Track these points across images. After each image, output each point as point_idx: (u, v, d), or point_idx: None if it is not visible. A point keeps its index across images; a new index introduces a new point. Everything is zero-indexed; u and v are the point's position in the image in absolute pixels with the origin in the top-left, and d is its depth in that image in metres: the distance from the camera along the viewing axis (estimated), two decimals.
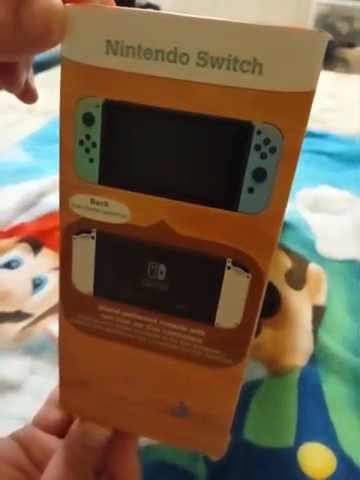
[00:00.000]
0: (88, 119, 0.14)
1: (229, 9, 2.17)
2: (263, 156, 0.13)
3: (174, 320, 0.16)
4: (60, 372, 0.19)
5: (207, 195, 0.14)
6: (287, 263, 0.41)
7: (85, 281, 0.16)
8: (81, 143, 0.14)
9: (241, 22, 0.12)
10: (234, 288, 0.15)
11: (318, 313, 0.36)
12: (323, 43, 0.12)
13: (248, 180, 0.13)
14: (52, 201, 0.49)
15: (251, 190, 0.14)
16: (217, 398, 0.18)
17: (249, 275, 0.15)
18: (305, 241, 0.45)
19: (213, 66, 0.12)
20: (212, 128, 0.13)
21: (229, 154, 0.13)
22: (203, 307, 0.16)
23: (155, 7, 2.14)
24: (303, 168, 0.58)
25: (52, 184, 0.52)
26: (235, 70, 0.12)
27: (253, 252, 0.15)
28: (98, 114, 0.14)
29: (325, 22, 2.04)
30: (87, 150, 0.14)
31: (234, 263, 0.15)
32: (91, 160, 0.14)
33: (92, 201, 0.15)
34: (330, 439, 0.27)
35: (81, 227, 0.16)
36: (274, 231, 0.14)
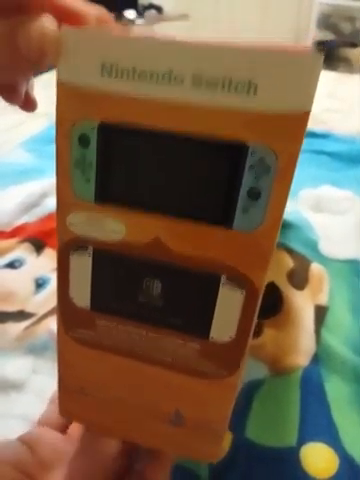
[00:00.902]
0: (84, 140, 0.14)
1: (231, 10, 2.17)
2: (257, 176, 0.13)
3: (169, 333, 0.17)
4: (59, 379, 0.19)
5: (202, 213, 0.14)
6: (289, 263, 0.41)
7: (82, 296, 0.17)
8: (77, 163, 0.14)
9: (235, 45, 0.12)
10: (229, 304, 0.15)
11: (320, 313, 0.36)
12: (318, 64, 0.12)
13: (243, 199, 0.14)
14: (54, 202, 0.49)
15: (245, 209, 0.14)
16: (212, 407, 0.18)
17: (243, 291, 0.15)
18: (307, 241, 0.45)
19: (208, 87, 0.12)
20: (207, 149, 0.13)
21: (224, 174, 0.13)
22: (198, 322, 0.16)
23: (158, 8, 2.14)
24: (304, 168, 0.58)
25: (54, 185, 0.52)
26: (230, 91, 0.12)
27: (247, 269, 0.15)
28: (93, 136, 0.14)
29: (327, 22, 2.03)
30: (83, 170, 0.14)
31: (229, 279, 0.15)
32: (87, 180, 0.15)
33: (88, 219, 0.15)
34: (332, 439, 0.27)
35: (78, 244, 0.16)
36: (268, 248, 0.15)
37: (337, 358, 0.32)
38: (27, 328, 0.34)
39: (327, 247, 0.44)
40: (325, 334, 0.34)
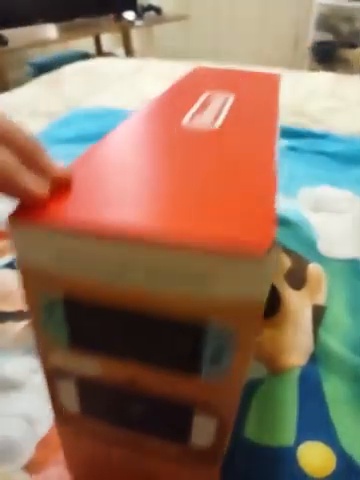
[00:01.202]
0: (52, 308, 0.15)
1: (230, 11, 2.17)
2: (218, 346, 0.14)
3: (153, 438, 0.18)
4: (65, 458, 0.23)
5: (172, 363, 0.15)
6: (287, 263, 0.41)
7: (72, 405, 0.18)
8: (49, 324, 0.15)
9: (187, 247, 0.12)
10: (203, 426, 0.17)
11: (318, 313, 0.36)
12: (272, 261, 0.12)
13: (206, 361, 0.14)
14: None
15: (211, 367, 0.14)
16: None
17: (216, 419, 0.16)
18: (306, 240, 0.45)
19: (162, 278, 0.12)
20: (166, 325, 0.14)
21: (187, 343, 0.14)
22: (178, 434, 0.18)
23: (157, 9, 2.15)
24: (304, 168, 0.58)
25: None
26: (184, 282, 0.12)
27: (218, 404, 0.16)
28: (60, 305, 0.14)
29: (326, 23, 2.04)
30: (54, 326, 0.15)
31: (201, 411, 0.16)
32: (60, 331, 0.15)
33: (65, 358, 0.16)
34: (330, 437, 0.27)
35: (61, 374, 0.17)
36: (236, 388, 0.15)
37: (335, 357, 0.32)
38: (26, 328, 0.34)
39: (326, 247, 0.44)
40: (323, 334, 0.34)
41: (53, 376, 0.17)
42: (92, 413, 0.18)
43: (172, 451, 0.18)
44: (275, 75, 0.36)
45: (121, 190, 0.14)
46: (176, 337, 0.14)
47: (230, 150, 0.17)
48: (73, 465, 0.23)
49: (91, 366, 0.16)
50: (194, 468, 0.18)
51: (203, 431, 0.17)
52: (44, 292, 0.14)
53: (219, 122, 0.22)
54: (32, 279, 0.14)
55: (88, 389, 0.17)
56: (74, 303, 0.14)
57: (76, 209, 0.13)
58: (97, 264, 0.13)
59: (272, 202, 0.13)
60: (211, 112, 0.24)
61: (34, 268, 0.13)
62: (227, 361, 0.14)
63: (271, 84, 0.33)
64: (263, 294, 0.12)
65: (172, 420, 0.17)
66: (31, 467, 0.26)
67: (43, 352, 0.16)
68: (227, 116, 0.23)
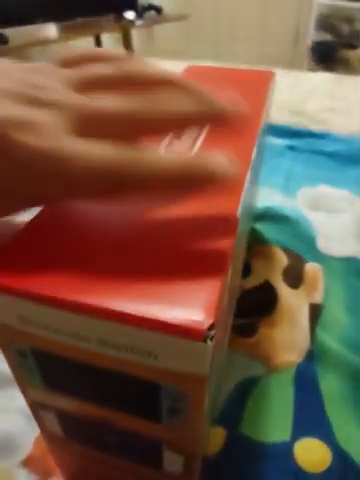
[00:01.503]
0: (23, 356, 0.16)
1: (230, 11, 2.18)
2: (174, 402, 0.15)
3: (129, 463, 0.20)
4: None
5: (136, 412, 0.16)
6: (284, 261, 0.41)
7: (55, 430, 0.20)
8: (23, 368, 0.16)
9: (134, 325, 0.13)
10: (172, 458, 0.18)
11: (315, 311, 0.36)
12: (210, 346, 0.12)
13: (165, 413, 0.16)
14: None
15: (169, 417, 0.16)
16: None
17: (183, 456, 0.18)
18: (305, 237, 0.45)
19: (113, 348, 0.14)
20: (126, 381, 0.15)
21: (146, 397, 0.15)
22: (151, 461, 0.19)
23: (157, 8, 2.15)
24: (303, 168, 0.58)
25: None
26: (133, 353, 0.13)
27: (181, 445, 0.17)
28: (28, 353, 0.16)
29: (326, 23, 2.04)
30: (30, 372, 0.17)
31: (168, 448, 0.18)
32: (34, 376, 0.17)
33: (44, 397, 0.18)
34: (326, 434, 0.27)
35: (41, 406, 0.18)
36: (197, 434, 0.17)
37: (332, 355, 0.32)
38: None
39: (324, 244, 0.44)
40: (320, 332, 0.34)
41: (35, 406, 0.19)
42: (75, 439, 0.20)
43: (149, 473, 0.20)
44: (269, 72, 0.35)
45: (78, 256, 0.15)
46: (136, 391, 0.15)
47: (191, 208, 0.18)
48: (63, 471, 0.25)
49: (67, 404, 0.17)
50: None
51: (173, 461, 0.19)
52: (14, 343, 0.15)
53: (197, 145, 0.22)
54: (2, 329, 0.15)
55: (68, 420, 0.19)
56: (41, 354, 0.15)
57: (31, 274, 0.14)
58: (54, 329, 0.14)
59: (220, 281, 0.14)
60: (191, 132, 0.24)
61: (1, 322, 0.15)
62: (184, 413, 0.15)
63: (263, 82, 0.33)
64: (205, 369, 0.13)
65: (145, 451, 0.19)
66: (29, 462, 0.26)
67: (22, 388, 0.18)
68: (208, 134, 0.23)
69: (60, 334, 0.14)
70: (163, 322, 0.12)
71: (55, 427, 0.20)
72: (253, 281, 0.39)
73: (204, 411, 0.16)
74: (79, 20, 1.89)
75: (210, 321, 0.12)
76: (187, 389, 0.14)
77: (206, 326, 0.12)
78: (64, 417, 0.19)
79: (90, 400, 0.17)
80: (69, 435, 0.20)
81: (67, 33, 1.80)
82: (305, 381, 0.31)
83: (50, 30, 1.80)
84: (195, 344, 0.12)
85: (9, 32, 1.53)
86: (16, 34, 1.56)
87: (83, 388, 0.16)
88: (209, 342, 0.12)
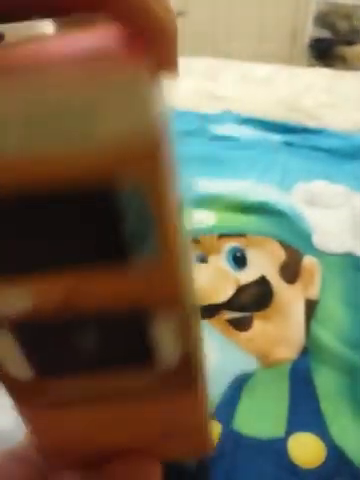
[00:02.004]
0: None
1: (228, 8, 2.17)
2: (135, 214, 0.11)
3: (116, 375, 0.16)
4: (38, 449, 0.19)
5: (96, 256, 0.12)
6: (282, 255, 0.41)
7: (21, 370, 0.16)
8: None
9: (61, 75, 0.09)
10: (162, 337, 0.15)
11: (311, 306, 0.36)
12: (146, 83, 0.09)
13: (130, 241, 0.12)
14: None
15: (136, 248, 0.12)
16: (189, 416, 0.18)
17: (171, 323, 0.14)
18: (301, 233, 0.45)
19: (43, 133, 0.09)
20: (72, 205, 0.11)
21: (101, 221, 0.11)
22: (139, 354, 0.16)
23: None
24: (299, 163, 0.58)
25: None
26: (67, 132, 0.09)
27: (164, 298, 0.13)
28: None
29: (324, 20, 2.04)
30: None
31: (153, 317, 0.14)
32: None
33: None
34: (320, 429, 0.27)
35: None
36: (176, 279, 0.13)
37: (326, 351, 0.32)
38: None
39: (321, 240, 0.44)
40: (315, 327, 0.34)
41: None
42: (46, 373, 0.16)
43: (143, 385, 0.16)
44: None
45: None
46: (88, 216, 0.11)
47: None
48: (41, 446, 0.19)
49: (20, 297, 0.13)
50: (169, 401, 0.17)
51: (164, 343, 0.15)
52: None
53: None
54: None
55: (28, 337, 0.15)
56: None
57: None
58: None
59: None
60: None
61: None
62: (150, 238, 0.12)
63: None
64: (149, 127, 0.09)
65: (128, 342, 0.15)
66: None
67: None
68: None
69: None
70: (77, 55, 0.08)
71: (19, 364, 0.15)
72: (250, 274, 0.39)
73: (174, 231, 0.12)
74: (75, 16, 1.88)
75: (141, 52, 0.08)
76: (141, 177, 0.10)
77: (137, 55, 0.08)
78: (23, 331, 0.15)
79: (41, 270, 0.12)
80: (38, 367, 0.16)
81: (64, 29, 1.79)
82: (300, 377, 0.30)
83: (47, 26, 1.79)
84: (125, 74, 0.08)
85: (4, 28, 1.52)
86: (12, 30, 1.55)
87: (27, 247, 0.12)
88: (142, 74, 0.08)
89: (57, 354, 0.16)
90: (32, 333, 0.15)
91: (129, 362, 0.16)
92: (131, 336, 0.15)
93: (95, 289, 0.13)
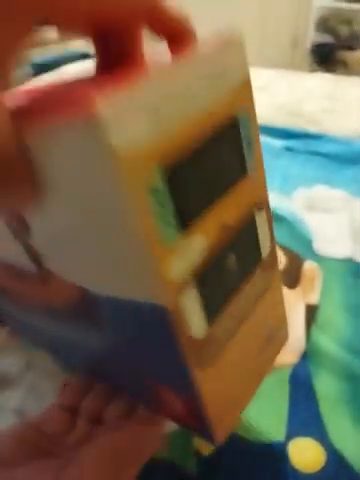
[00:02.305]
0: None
1: (229, 13, 2.18)
2: (246, 138, 0.17)
3: (250, 281, 0.20)
4: (205, 416, 0.19)
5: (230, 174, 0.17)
6: (282, 261, 0.41)
7: (199, 326, 0.16)
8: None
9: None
10: (262, 229, 0.19)
11: (311, 312, 0.36)
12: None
13: (247, 157, 0.17)
14: None
15: (250, 162, 0.17)
16: (276, 312, 0.22)
17: (263, 210, 0.19)
18: (302, 239, 0.45)
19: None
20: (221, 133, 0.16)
21: (235, 144, 0.16)
22: (256, 256, 0.19)
23: None
24: (299, 168, 0.59)
25: None
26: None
27: (261, 195, 0.19)
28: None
29: (325, 25, 2.05)
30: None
31: (257, 208, 0.19)
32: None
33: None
34: (320, 434, 0.27)
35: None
36: (264, 187, 0.19)
37: (327, 356, 0.32)
38: None
39: (321, 246, 0.44)
40: (315, 332, 0.34)
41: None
42: (212, 315, 0.17)
43: (263, 284, 0.20)
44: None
45: None
46: (229, 145, 0.16)
47: None
48: (209, 419, 0.19)
49: (200, 241, 0.15)
50: (266, 298, 0.21)
51: (263, 236, 0.19)
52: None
53: None
54: None
55: (206, 287, 0.16)
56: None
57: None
58: None
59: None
60: None
61: None
62: (253, 157, 0.17)
63: None
64: (248, 74, 0.16)
65: (250, 242, 0.19)
66: None
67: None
68: None
69: None
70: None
71: (200, 320, 0.16)
72: None
73: (260, 152, 0.17)
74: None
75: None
76: (248, 111, 0.16)
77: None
78: (202, 282, 0.16)
79: (216, 197, 0.16)
80: (209, 314, 0.17)
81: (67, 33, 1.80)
82: (300, 381, 0.31)
83: (49, 30, 1.80)
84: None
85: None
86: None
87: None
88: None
89: (219, 290, 0.17)
90: (208, 281, 0.16)
91: (253, 265, 0.19)
92: (251, 238, 0.19)
93: (232, 203, 0.17)
